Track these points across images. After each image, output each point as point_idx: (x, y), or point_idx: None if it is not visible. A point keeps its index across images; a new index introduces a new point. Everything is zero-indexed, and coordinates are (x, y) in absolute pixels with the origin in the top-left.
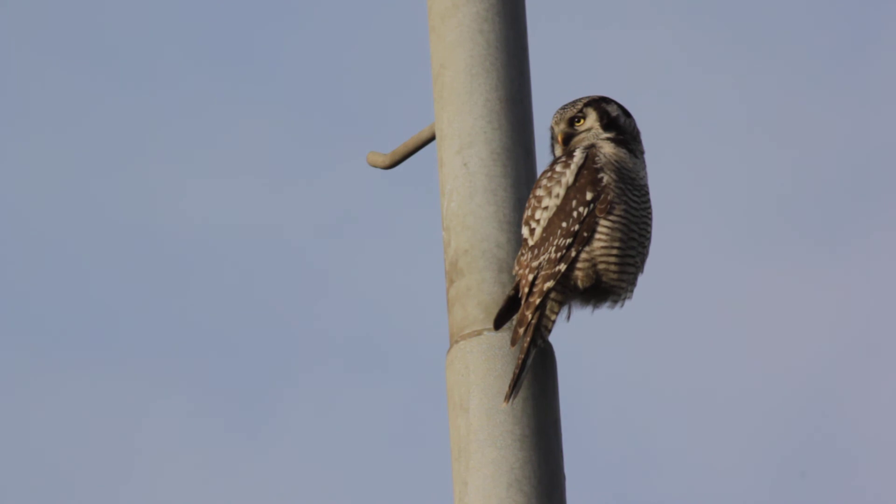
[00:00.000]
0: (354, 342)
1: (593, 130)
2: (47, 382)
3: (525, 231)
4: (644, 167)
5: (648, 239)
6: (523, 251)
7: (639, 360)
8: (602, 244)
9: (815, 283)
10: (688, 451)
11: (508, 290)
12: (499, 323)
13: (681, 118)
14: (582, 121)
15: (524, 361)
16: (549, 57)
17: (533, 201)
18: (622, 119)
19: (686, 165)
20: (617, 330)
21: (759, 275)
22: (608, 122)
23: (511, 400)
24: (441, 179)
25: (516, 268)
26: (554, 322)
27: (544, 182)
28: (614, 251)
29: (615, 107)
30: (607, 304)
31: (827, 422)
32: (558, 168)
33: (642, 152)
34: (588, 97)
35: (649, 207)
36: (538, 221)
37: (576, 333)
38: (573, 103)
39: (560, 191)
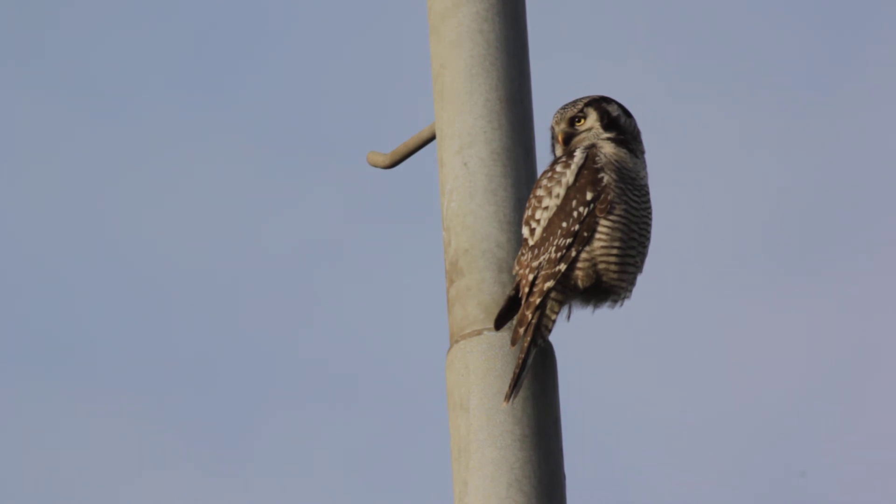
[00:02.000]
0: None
1: (594, 130)
2: (19, 415)
3: (525, 231)
4: (644, 167)
5: (648, 239)
6: (523, 251)
7: (638, 361)
8: (602, 244)
9: (794, 309)
10: (688, 451)
11: (509, 290)
12: (499, 323)
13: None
14: (582, 120)
15: (524, 361)
16: (549, 57)
17: (533, 201)
18: (623, 119)
19: (663, 189)
20: (617, 330)
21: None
22: (609, 122)
23: (511, 399)
24: (441, 179)
25: (516, 268)
26: (554, 322)
27: (545, 182)
28: (614, 251)
29: (615, 106)
30: (608, 303)
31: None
32: (559, 168)
33: (643, 152)
34: (588, 97)
35: (649, 207)
36: (538, 221)
37: (576, 333)
38: (574, 103)
39: (560, 191)
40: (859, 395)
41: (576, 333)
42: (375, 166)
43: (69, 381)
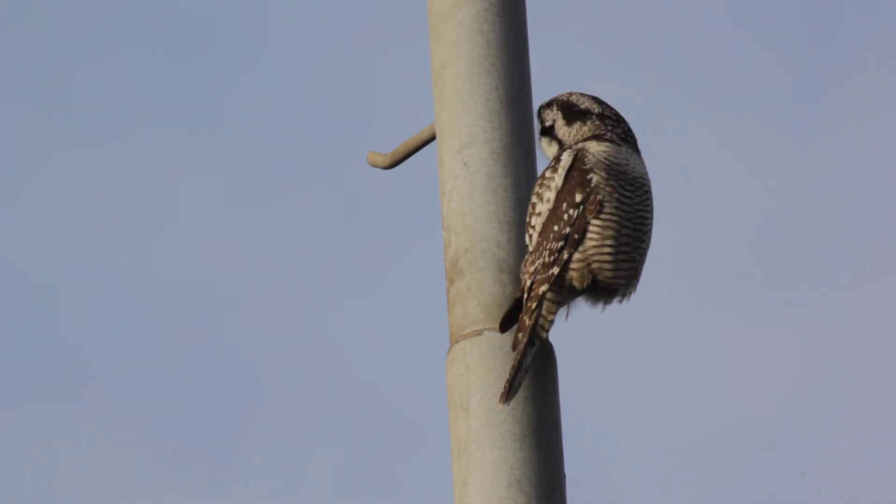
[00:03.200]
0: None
1: (568, 130)
2: (6, 431)
3: (526, 237)
4: (634, 154)
5: (646, 232)
6: (526, 257)
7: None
8: (594, 244)
9: (781, 322)
10: (688, 451)
11: (512, 292)
12: (505, 326)
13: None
14: (552, 123)
15: (520, 362)
16: (549, 57)
17: (530, 207)
18: (582, 104)
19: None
20: (616, 330)
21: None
22: (571, 114)
23: (508, 400)
24: (441, 179)
25: (523, 273)
26: (551, 322)
27: (537, 188)
28: (606, 250)
29: (573, 97)
30: (615, 300)
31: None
32: (548, 174)
33: (623, 138)
34: (543, 103)
35: (647, 199)
36: (534, 227)
37: (576, 333)
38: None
39: (551, 195)
40: (844, 407)
41: (576, 334)
42: (375, 166)
43: (55, 402)
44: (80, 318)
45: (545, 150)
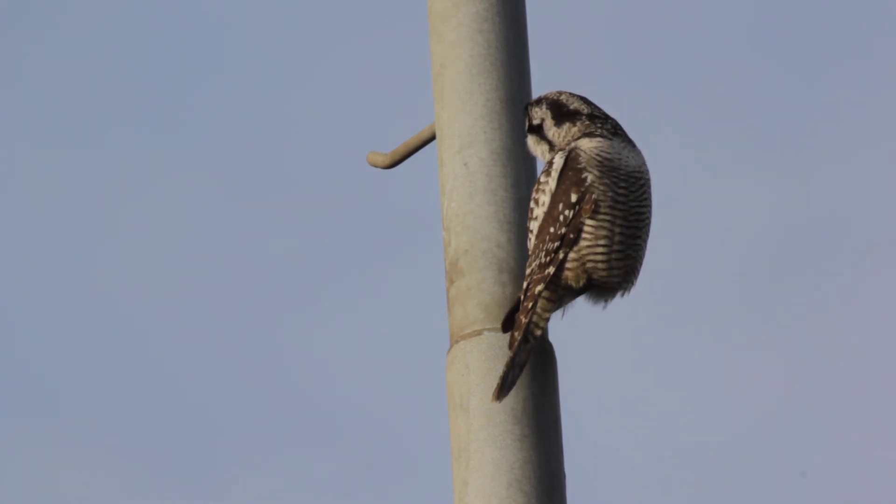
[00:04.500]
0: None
1: (563, 130)
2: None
3: (528, 242)
4: (627, 147)
5: (643, 228)
6: (529, 260)
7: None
8: (587, 243)
9: (758, 351)
10: (688, 451)
11: (512, 292)
12: (507, 326)
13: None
14: (540, 122)
15: (513, 359)
16: (549, 57)
17: (528, 213)
18: (572, 104)
19: None
20: (617, 330)
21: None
22: (560, 114)
23: (501, 397)
24: (441, 179)
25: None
26: (547, 320)
27: (534, 194)
28: (599, 249)
29: (563, 96)
30: (616, 297)
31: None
32: (542, 178)
33: (614, 132)
34: (531, 100)
35: (643, 194)
36: (532, 231)
37: (576, 334)
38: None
39: (546, 199)
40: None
41: (576, 334)
42: (375, 166)
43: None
44: (64, 336)
45: (532, 148)
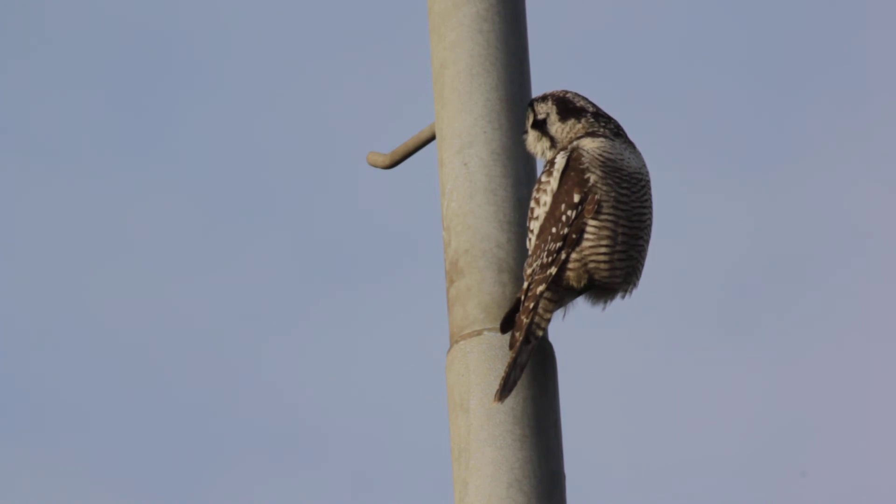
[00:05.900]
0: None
1: (563, 126)
2: None
3: (527, 242)
4: (628, 148)
5: (644, 229)
6: (527, 260)
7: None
8: (590, 244)
9: (737, 371)
10: (688, 451)
11: (512, 292)
12: (505, 327)
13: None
14: (545, 117)
15: (514, 360)
16: (549, 57)
17: (529, 213)
18: (577, 102)
19: None
20: (617, 331)
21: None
22: (566, 110)
23: (503, 398)
24: (441, 179)
25: (525, 277)
26: (548, 321)
27: (535, 193)
28: (602, 249)
29: (569, 94)
30: (617, 298)
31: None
32: (543, 178)
33: (616, 133)
34: (535, 97)
35: (644, 195)
36: (533, 231)
37: (576, 334)
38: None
39: (547, 199)
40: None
41: (576, 335)
42: (375, 166)
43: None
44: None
45: (532, 144)
